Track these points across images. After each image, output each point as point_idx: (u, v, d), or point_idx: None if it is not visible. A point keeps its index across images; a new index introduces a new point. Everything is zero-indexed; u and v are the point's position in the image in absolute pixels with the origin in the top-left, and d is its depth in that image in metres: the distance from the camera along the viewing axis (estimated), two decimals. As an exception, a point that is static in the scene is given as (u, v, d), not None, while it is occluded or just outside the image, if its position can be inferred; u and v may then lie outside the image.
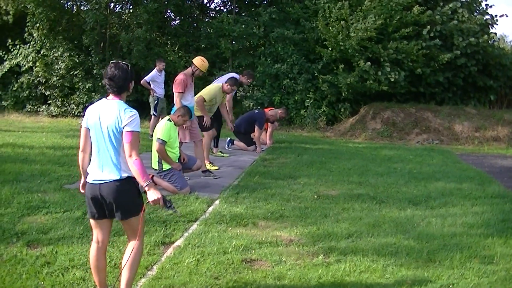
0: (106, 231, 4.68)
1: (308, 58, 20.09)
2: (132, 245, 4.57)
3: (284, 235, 6.70)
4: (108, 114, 4.40)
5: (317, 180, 10.10)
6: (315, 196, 8.74)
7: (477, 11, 20.85)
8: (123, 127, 4.33)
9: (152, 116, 15.32)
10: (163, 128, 8.88)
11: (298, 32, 20.02)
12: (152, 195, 4.39)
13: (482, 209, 8.44)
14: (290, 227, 7.04)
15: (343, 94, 19.03)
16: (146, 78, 15.22)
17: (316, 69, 19.40)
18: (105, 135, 4.42)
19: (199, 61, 10.58)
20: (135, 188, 4.45)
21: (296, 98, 19.51)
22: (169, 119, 9.08)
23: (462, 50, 19.14)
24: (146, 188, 4.38)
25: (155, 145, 8.84)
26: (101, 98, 4.64)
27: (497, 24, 21.00)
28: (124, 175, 4.41)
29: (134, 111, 4.42)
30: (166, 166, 8.92)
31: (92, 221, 4.65)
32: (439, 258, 6.05)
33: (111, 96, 4.53)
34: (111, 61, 4.62)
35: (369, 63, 18.15)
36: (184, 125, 9.58)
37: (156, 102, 15.22)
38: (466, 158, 14.18)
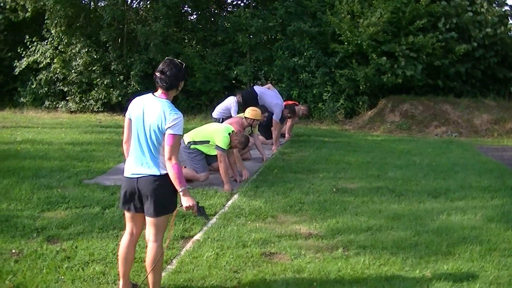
0: (140, 224, 4.71)
1: (326, 51, 20.01)
2: (152, 247, 4.56)
3: (303, 229, 6.70)
4: (153, 111, 4.39)
5: (335, 173, 10.08)
6: (334, 190, 8.72)
7: (496, 2, 20.64)
8: (166, 129, 4.32)
9: None
10: (224, 140, 8.94)
11: (315, 26, 19.96)
12: (187, 201, 4.43)
13: (502, 201, 8.39)
14: (309, 221, 7.04)
15: (361, 88, 18.95)
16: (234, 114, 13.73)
17: (333, 63, 19.33)
18: (146, 131, 4.42)
19: (253, 113, 10.51)
20: (172, 186, 4.43)
21: (314, 91, 19.47)
22: (229, 133, 9.06)
23: (480, 42, 19.00)
24: (181, 194, 4.40)
25: (217, 152, 8.89)
26: (147, 93, 4.62)
27: (516, 15, 20.71)
28: (163, 172, 4.41)
29: (179, 114, 4.40)
30: (194, 147, 9.14)
31: (127, 214, 4.68)
32: (458, 251, 6.02)
33: (158, 93, 4.50)
34: (166, 58, 4.60)
35: (384, 57, 18.06)
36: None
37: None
38: (486, 150, 14.08)
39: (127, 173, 4.54)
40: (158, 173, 4.41)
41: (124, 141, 4.66)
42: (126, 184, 4.55)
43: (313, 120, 19.33)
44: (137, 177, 4.45)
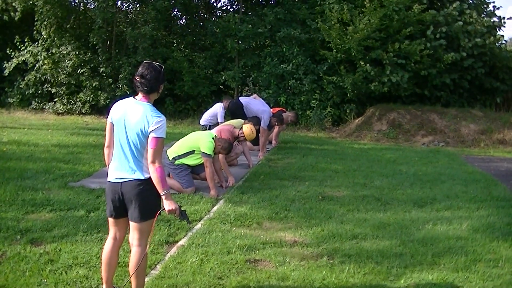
0: (124, 229, 4.70)
1: (314, 58, 20.08)
2: (135, 252, 4.54)
3: (288, 236, 6.69)
4: (135, 115, 4.38)
5: (322, 181, 10.09)
6: (320, 197, 8.73)
7: (485, 13, 20.79)
8: (150, 132, 4.31)
9: None
10: (209, 146, 8.96)
11: (305, 32, 20.01)
12: (169, 205, 4.42)
13: (487, 212, 8.41)
14: (295, 228, 7.04)
15: (348, 95, 19.00)
16: (221, 120, 14.04)
17: (322, 70, 19.38)
18: (129, 135, 4.41)
19: (248, 131, 10.30)
20: (156, 190, 4.41)
21: (302, 98, 19.52)
22: (213, 138, 9.12)
23: (468, 52, 19.11)
24: (163, 197, 4.40)
25: (204, 159, 8.92)
26: (127, 96, 4.61)
27: (504, 26, 20.97)
28: (147, 176, 4.41)
29: (162, 117, 4.40)
30: (179, 162, 9.04)
31: (110, 219, 4.67)
32: (443, 261, 6.03)
33: (139, 96, 4.50)
34: (144, 61, 4.60)
35: (368, 65, 18.14)
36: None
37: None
38: (472, 160, 14.13)
39: (111, 177, 4.53)
40: (142, 177, 4.41)
41: (106, 145, 4.65)
42: (110, 189, 4.53)
43: (300, 127, 19.35)
44: (121, 182, 4.44)
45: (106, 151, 4.66)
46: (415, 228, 7.32)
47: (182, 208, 4.62)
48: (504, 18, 20.77)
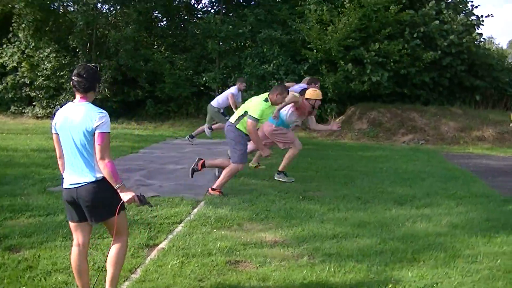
0: (86, 234, 4.65)
1: (295, 59, 20.13)
2: (115, 245, 4.57)
3: (269, 236, 6.67)
4: (77, 116, 4.35)
5: (302, 180, 10.10)
6: (301, 197, 8.74)
7: (463, 12, 20.96)
8: (95, 128, 4.29)
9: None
10: (257, 107, 8.73)
11: (286, 33, 20.05)
12: (126, 195, 4.39)
13: (466, 208, 8.49)
14: (275, 228, 7.02)
15: (329, 95, 19.04)
16: (234, 92, 14.88)
17: (303, 70, 19.42)
18: (75, 138, 4.37)
19: (314, 93, 10.27)
20: (111, 187, 4.40)
21: (283, 99, 19.50)
22: (265, 99, 8.85)
23: (446, 50, 19.26)
24: (118, 191, 4.37)
25: (247, 122, 8.67)
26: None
27: (482, 25, 21.19)
28: (99, 175, 4.38)
29: (104, 112, 4.39)
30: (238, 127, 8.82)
31: (71, 224, 4.63)
32: (423, 258, 6.05)
33: (77, 99, 4.47)
34: (79, 64, 4.60)
35: (350, 64, 18.22)
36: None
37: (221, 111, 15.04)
38: (452, 158, 14.24)
39: (66, 184, 4.50)
40: (95, 178, 4.38)
41: (58, 156, 4.62)
42: (66, 195, 4.51)
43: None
44: (76, 187, 4.41)
45: (59, 161, 4.63)
46: (395, 225, 7.35)
47: (140, 194, 4.59)
48: (482, 16, 21.03)
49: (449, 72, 19.90)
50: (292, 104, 10.01)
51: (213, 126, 15.07)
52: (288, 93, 9.17)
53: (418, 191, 9.57)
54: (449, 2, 21.00)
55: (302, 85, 12.39)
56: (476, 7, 21.51)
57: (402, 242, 6.62)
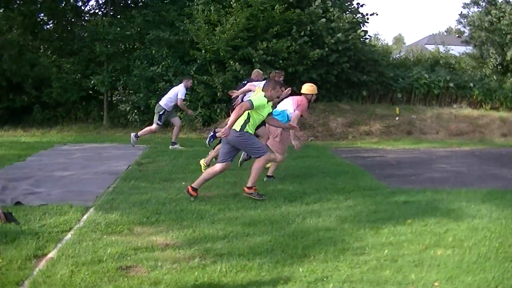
0: None
1: (184, 60, 20.03)
2: None
3: (160, 240, 6.63)
4: None
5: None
6: (191, 199, 8.67)
7: (349, 10, 21.53)
8: None
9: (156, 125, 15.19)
10: (260, 98, 8.73)
11: (174, 34, 19.91)
12: None
13: (355, 202, 8.74)
14: (166, 231, 6.99)
15: (219, 95, 19.06)
16: (181, 97, 15.21)
17: (192, 71, 19.34)
18: None
19: (310, 88, 10.62)
20: None
21: (172, 100, 19.36)
22: (264, 96, 8.79)
23: (333, 47, 19.73)
24: None
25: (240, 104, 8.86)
26: None
27: (368, 22, 21.88)
28: None
29: None
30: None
31: None
32: (313, 253, 6.16)
33: None
34: None
35: (237, 63, 18.33)
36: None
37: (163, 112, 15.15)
38: (341, 153, 14.59)
39: None
40: None
41: None
42: None
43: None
44: None
45: None
46: (285, 222, 7.46)
47: (7, 211, 4.40)
48: (367, 14, 21.79)
49: (336, 69, 20.37)
50: (297, 103, 10.42)
51: (139, 133, 15.00)
52: (281, 87, 9.29)
53: (308, 187, 9.74)
54: (335, 0, 21.51)
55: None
56: (362, 5, 22.01)
57: (292, 238, 6.71)
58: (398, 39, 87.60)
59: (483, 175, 11.99)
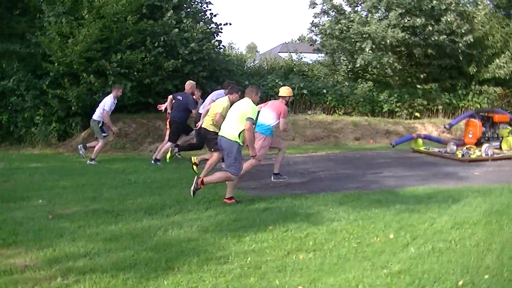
0: None
1: (36, 73, 19.33)
2: None
3: (18, 261, 6.42)
4: None
5: (50, 199, 9.81)
6: (50, 217, 8.49)
7: (203, 20, 21.69)
8: None
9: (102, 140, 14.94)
10: (254, 110, 9.58)
11: (25, 47, 19.18)
12: None
13: (215, 211, 8.88)
14: (25, 252, 6.77)
15: (73, 108, 18.59)
16: (107, 109, 14.78)
17: (44, 85, 18.72)
18: None
19: (288, 91, 12.29)
20: None
21: (25, 115, 18.64)
22: (252, 102, 9.73)
23: (188, 58, 19.80)
24: None
25: (246, 124, 9.31)
26: None
27: (221, 32, 22.13)
28: None
29: None
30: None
31: None
32: (177, 265, 6.21)
33: None
34: None
35: (92, 76, 18.02)
36: None
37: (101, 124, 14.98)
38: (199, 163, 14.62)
39: None
40: None
41: None
42: None
43: (25, 145, 18.53)
44: None
45: None
46: (147, 236, 7.46)
47: None
48: (221, 24, 22.00)
49: (191, 80, 20.40)
50: (279, 112, 11.73)
51: (88, 144, 15.35)
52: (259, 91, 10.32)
53: (168, 199, 9.75)
54: (189, 11, 21.62)
55: (221, 92, 13.84)
56: (215, 15, 22.25)
57: (155, 251, 6.73)
58: (252, 48, 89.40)
59: (339, 178, 12.54)
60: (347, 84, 25.36)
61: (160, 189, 10.73)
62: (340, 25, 25.09)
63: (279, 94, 12.14)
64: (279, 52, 45.76)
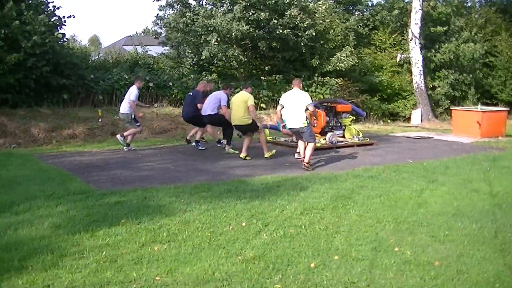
0: None
1: None
2: None
3: None
4: None
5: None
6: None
7: (45, 13, 20.99)
8: None
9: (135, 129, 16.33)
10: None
11: None
12: None
13: (67, 207, 8.77)
14: None
15: None
16: (133, 99, 15.68)
17: None
18: None
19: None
20: None
21: None
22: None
23: (30, 51, 19.14)
24: None
25: (311, 108, 12.91)
26: None
27: (65, 25, 21.53)
28: None
29: None
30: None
31: None
32: (31, 263, 6.12)
33: None
34: None
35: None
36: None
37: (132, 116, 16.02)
38: (46, 158, 14.30)
39: None
40: None
41: None
42: None
43: None
44: None
45: None
46: (-5, 236, 7.22)
47: None
48: (64, 17, 21.44)
49: (35, 73, 19.79)
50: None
51: (125, 133, 16.28)
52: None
53: (16, 197, 9.47)
54: (30, 3, 20.87)
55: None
56: (58, 8, 21.60)
57: (6, 251, 6.59)
58: (94, 40, 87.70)
59: (189, 170, 12.68)
60: (192, 76, 25.56)
61: (6, 187, 10.37)
62: (185, 18, 25.26)
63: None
64: (123, 45, 45.28)
